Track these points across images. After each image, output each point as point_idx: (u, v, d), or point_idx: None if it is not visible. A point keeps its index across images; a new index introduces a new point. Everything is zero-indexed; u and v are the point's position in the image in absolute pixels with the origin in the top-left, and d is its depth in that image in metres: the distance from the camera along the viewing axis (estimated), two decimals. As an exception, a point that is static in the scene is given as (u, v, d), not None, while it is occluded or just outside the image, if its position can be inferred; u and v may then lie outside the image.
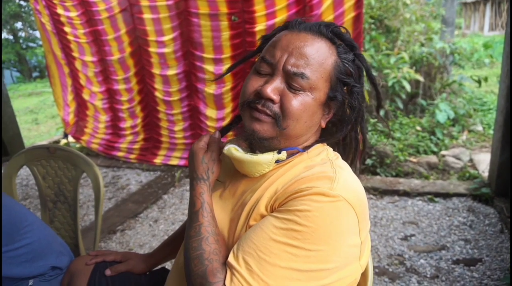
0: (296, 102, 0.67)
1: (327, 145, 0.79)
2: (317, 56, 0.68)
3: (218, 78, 0.87)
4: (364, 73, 0.76)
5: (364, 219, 0.65)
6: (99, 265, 0.95)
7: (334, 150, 0.79)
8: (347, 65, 0.71)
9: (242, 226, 0.70)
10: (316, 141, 0.76)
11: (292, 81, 0.67)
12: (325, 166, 0.68)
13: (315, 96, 0.68)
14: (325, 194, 0.61)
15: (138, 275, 0.97)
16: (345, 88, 0.72)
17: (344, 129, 0.75)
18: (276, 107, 0.68)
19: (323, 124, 0.74)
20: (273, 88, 0.67)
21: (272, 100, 0.67)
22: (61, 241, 1.20)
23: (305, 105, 0.68)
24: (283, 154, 0.71)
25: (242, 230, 0.69)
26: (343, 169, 0.68)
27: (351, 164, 0.80)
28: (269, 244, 0.60)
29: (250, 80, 0.72)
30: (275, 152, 0.71)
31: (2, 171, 1.43)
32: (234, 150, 0.72)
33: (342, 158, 0.78)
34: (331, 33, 0.72)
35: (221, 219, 0.75)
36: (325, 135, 0.78)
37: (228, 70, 0.87)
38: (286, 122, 0.68)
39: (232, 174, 0.80)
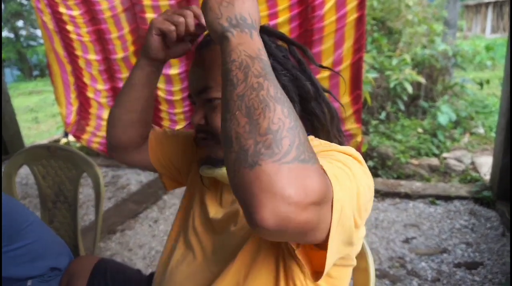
0: (215, 115, 0.68)
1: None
2: (210, 64, 0.68)
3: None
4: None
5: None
6: (98, 266, 0.94)
7: (307, 129, 0.75)
8: None
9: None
10: None
11: (204, 98, 0.68)
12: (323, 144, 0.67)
13: None
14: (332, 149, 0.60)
15: (139, 277, 0.96)
16: None
17: (295, 108, 0.68)
18: (207, 128, 0.70)
19: None
20: (196, 116, 0.70)
21: (200, 125, 0.70)
22: (60, 241, 1.19)
23: None
24: None
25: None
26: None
27: (329, 139, 0.75)
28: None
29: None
30: None
31: (2, 170, 1.42)
32: (206, 169, 0.73)
33: (317, 135, 0.75)
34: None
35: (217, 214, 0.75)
36: None
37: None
38: (218, 136, 0.68)
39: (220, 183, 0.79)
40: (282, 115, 0.43)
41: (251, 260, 0.65)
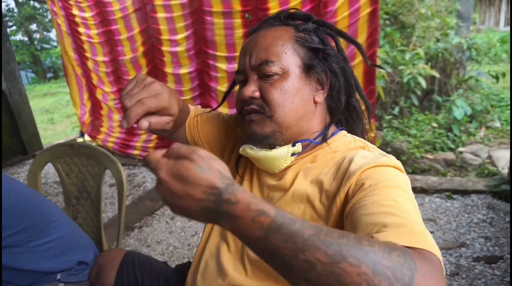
0: (274, 89, 0.69)
1: (346, 131, 0.78)
2: (273, 40, 0.70)
3: (221, 103, 0.87)
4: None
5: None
6: (127, 258, 0.97)
7: (342, 124, 0.79)
8: (308, 33, 0.73)
9: None
10: (326, 127, 0.75)
11: (262, 72, 0.70)
12: (367, 154, 0.67)
13: (290, 74, 0.69)
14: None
15: (166, 269, 0.98)
16: (318, 54, 0.72)
17: (341, 96, 0.73)
18: (259, 101, 0.71)
19: (319, 100, 0.73)
20: (249, 87, 0.70)
21: (253, 98, 0.70)
22: (86, 236, 1.22)
23: (283, 88, 0.69)
24: (298, 146, 0.71)
25: None
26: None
27: (362, 134, 0.79)
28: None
29: (236, 96, 0.76)
30: (289, 145, 0.71)
31: (28, 168, 1.47)
32: (248, 149, 0.73)
33: (353, 131, 0.78)
34: (282, 19, 0.75)
35: None
36: (332, 114, 0.77)
37: (226, 93, 0.88)
38: (272, 110, 0.69)
39: (256, 171, 0.80)
40: (354, 268, 0.38)
41: None
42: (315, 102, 0.73)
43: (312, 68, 0.70)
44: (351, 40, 0.75)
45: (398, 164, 0.66)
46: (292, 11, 0.75)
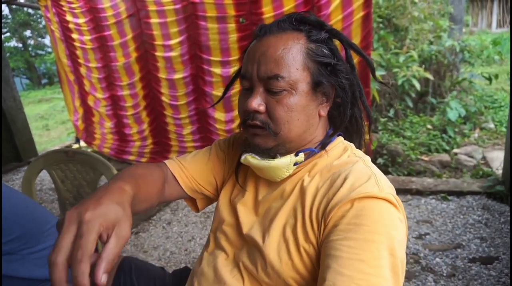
0: (280, 106, 0.67)
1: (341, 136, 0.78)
2: (285, 53, 0.67)
3: (217, 103, 0.86)
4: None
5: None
6: (123, 264, 0.96)
7: (342, 132, 0.78)
8: (320, 45, 0.69)
9: (290, 242, 0.66)
10: (327, 135, 0.75)
11: (270, 86, 0.67)
12: (362, 173, 0.66)
13: (299, 90, 0.67)
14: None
15: (163, 275, 0.98)
16: (328, 68, 0.70)
17: (347, 111, 0.72)
18: (264, 117, 0.68)
19: (323, 113, 0.72)
20: (255, 100, 0.68)
21: (257, 112, 0.68)
22: (81, 243, 1.21)
23: (290, 106, 0.67)
24: (301, 156, 0.70)
25: (291, 246, 0.66)
26: (378, 171, 0.68)
27: (360, 142, 0.79)
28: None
29: (239, 101, 0.74)
30: (293, 155, 0.70)
31: (23, 175, 1.46)
32: (250, 158, 0.72)
33: (351, 139, 0.78)
34: (294, 22, 0.71)
35: (249, 222, 0.75)
36: (334, 124, 0.76)
37: (224, 93, 0.87)
38: (278, 127, 0.68)
39: (254, 180, 0.80)
40: None
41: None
42: (320, 116, 0.72)
43: (320, 84, 0.69)
44: (362, 55, 0.74)
45: (390, 195, 0.61)
46: (306, 14, 0.72)
